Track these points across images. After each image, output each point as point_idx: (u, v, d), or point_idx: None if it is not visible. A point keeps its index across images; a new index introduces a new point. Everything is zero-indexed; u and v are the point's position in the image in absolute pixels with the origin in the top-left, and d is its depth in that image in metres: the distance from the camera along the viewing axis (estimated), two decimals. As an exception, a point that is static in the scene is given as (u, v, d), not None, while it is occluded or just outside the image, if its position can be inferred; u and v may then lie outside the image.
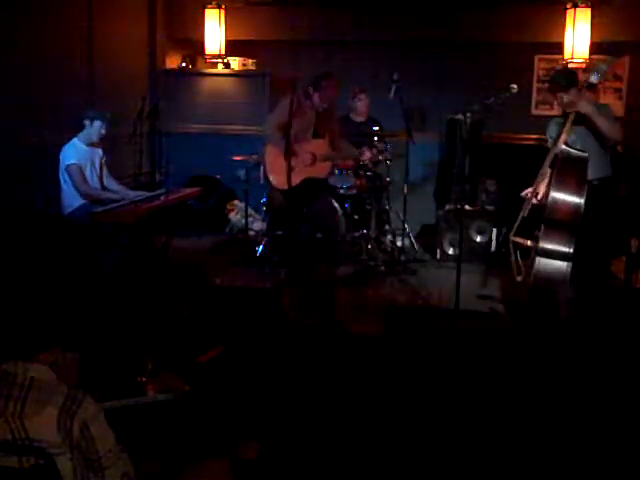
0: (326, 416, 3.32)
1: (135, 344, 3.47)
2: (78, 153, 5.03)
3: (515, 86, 4.68)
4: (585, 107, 4.35)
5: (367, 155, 5.78)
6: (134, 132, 5.83)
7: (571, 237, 4.21)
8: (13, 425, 1.77)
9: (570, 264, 4.19)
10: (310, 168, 5.54)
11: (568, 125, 4.36)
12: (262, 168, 5.67)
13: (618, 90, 6.75)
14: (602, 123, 4.35)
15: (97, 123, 5.09)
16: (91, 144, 5.14)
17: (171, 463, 2.24)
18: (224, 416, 3.19)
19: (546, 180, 4.51)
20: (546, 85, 5.48)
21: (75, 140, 5.07)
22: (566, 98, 4.51)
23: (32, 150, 5.21)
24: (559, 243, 4.22)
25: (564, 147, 4.35)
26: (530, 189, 4.61)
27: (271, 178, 5.54)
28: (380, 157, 5.83)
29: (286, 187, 5.20)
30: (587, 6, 6.41)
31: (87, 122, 5.09)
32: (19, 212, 4.85)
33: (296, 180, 5.32)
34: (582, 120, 4.38)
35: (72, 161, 4.97)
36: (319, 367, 3.80)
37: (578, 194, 4.21)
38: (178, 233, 5.77)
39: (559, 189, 4.22)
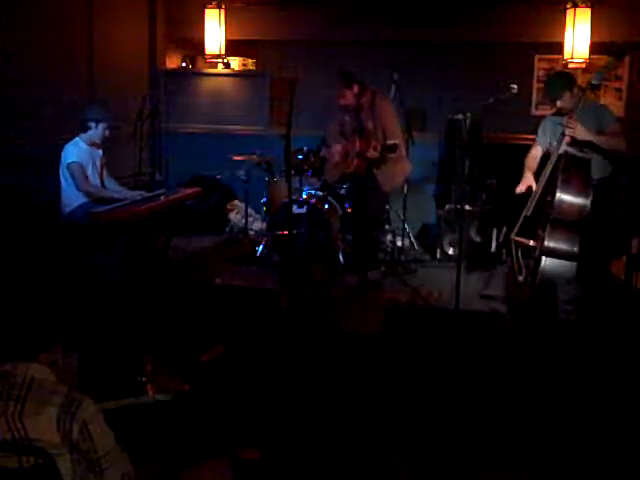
0: (326, 416, 3.32)
1: (135, 344, 3.47)
2: (80, 152, 5.01)
3: (515, 86, 4.67)
4: (583, 135, 4.33)
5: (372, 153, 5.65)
6: (134, 132, 5.83)
7: (577, 236, 4.22)
8: (13, 425, 1.76)
9: (575, 263, 4.20)
10: (343, 164, 5.69)
11: (564, 144, 4.35)
12: None
13: (618, 90, 6.75)
14: (603, 142, 4.34)
15: (102, 125, 5.05)
16: (92, 144, 5.12)
17: (171, 463, 2.23)
18: (224, 416, 3.19)
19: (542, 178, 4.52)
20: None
21: (77, 139, 5.05)
22: (559, 104, 4.52)
23: (32, 150, 5.20)
24: (566, 242, 4.23)
25: (568, 148, 4.35)
26: (523, 186, 4.63)
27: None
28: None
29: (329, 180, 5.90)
30: (587, 6, 6.40)
31: (92, 124, 5.03)
32: (19, 212, 4.85)
33: (336, 175, 5.83)
34: (583, 142, 4.38)
35: (74, 159, 4.95)
36: (318, 367, 3.80)
37: (584, 194, 4.22)
38: (178, 233, 5.76)
39: (565, 190, 4.23)
